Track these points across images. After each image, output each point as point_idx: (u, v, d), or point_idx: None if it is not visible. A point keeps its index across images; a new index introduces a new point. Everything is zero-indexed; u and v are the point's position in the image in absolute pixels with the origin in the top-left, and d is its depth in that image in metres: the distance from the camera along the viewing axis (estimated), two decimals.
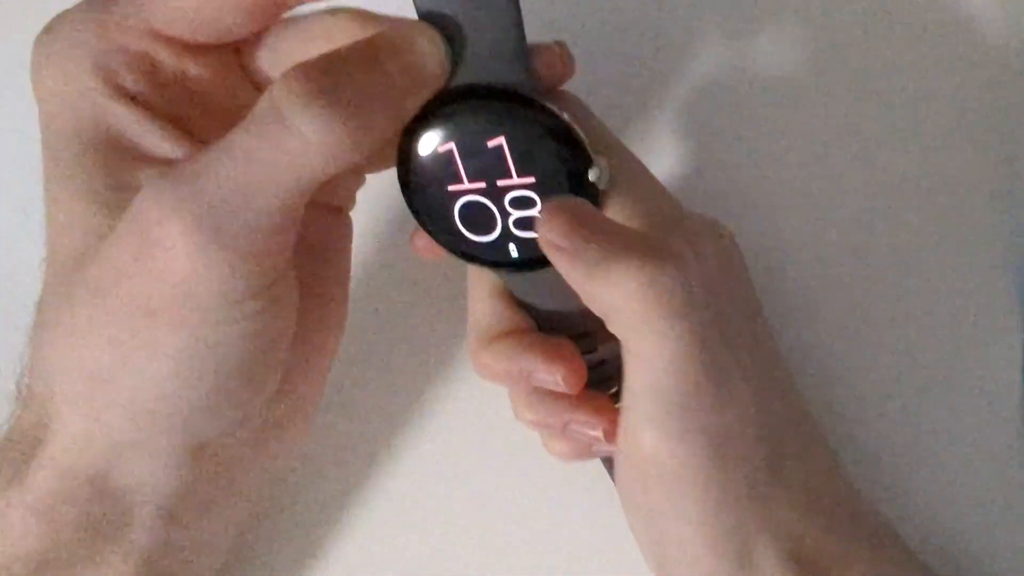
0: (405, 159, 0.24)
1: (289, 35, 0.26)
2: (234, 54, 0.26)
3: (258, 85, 0.26)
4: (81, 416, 0.24)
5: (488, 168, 0.24)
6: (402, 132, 0.24)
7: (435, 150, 0.24)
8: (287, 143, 0.21)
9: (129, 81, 0.24)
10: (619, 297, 0.23)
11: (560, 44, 0.25)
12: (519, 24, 0.22)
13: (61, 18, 0.24)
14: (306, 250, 0.26)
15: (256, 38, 0.26)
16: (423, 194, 0.24)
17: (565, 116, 0.23)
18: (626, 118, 0.34)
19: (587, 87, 0.27)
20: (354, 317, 0.30)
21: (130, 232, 0.22)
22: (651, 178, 0.27)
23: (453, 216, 0.24)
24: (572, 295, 0.24)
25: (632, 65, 0.34)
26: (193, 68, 0.25)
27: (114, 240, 0.23)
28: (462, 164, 0.24)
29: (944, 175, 0.32)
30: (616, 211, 0.25)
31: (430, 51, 0.23)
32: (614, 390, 0.27)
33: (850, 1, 0.34)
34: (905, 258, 0.32)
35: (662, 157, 0.33)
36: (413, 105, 0.23)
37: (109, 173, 0.24)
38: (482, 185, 0.24)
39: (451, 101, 0.23)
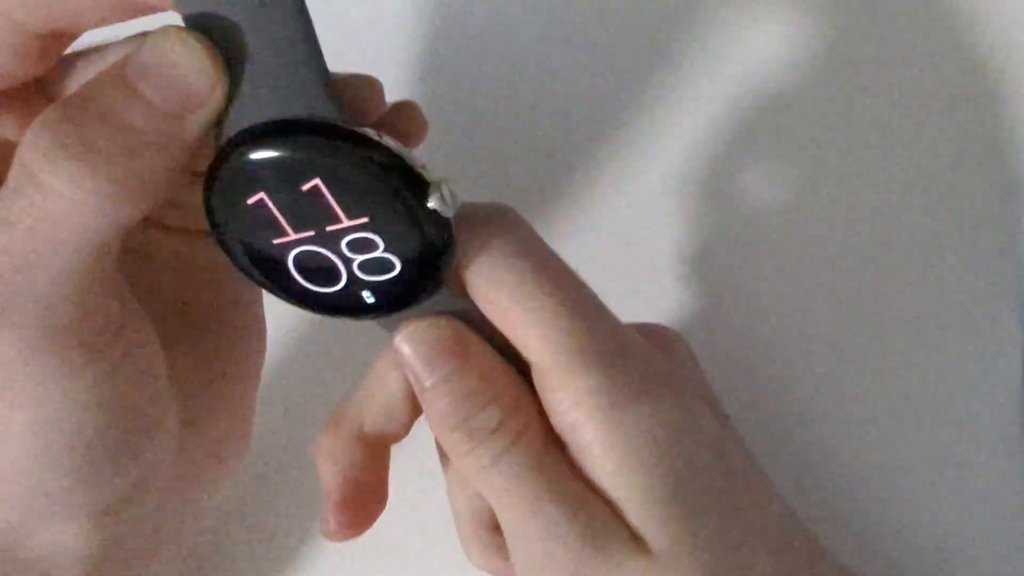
0: (213, 216, 0.20)
1: (91, 68, 0.23)
2: (42, 99, 0.23)
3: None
4: None
5: (311, 214, 0.20)
6: (203, 187, 0.20)
7: (244, 203, 0.20)
8: (46, 205, 0.18)
9: None
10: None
11: (368, 78, 0.22)
12: (310, 33, 0.19)
13: None
14: (198, 280, 0.25)
15: (59, 77, 0.23)
16: (249, 253, 0.21)
17: (387, 141, 0.20)
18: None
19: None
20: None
21: None
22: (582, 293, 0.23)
23: (290, 272, 0.21)
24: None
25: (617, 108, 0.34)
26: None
27: None
28: (280, 214, 0.20)
29: (944, 175, 0.33)
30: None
31: (189, 62, 0.19)
32: None
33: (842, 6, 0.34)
34: (905, 258, 0.32)
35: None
36: (189, 132, 0.19)
37: None
38: (311, 233, 0.20)
39: (245, 143, 0.19)
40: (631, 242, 0.33)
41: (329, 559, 0.31)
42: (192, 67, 0.19)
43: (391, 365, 0.24)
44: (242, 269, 0.21)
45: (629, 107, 0.34)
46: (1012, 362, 0.31)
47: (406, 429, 0.25)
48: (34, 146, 0.18)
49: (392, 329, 0.23)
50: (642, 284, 0.32)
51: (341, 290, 0.21)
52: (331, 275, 0.21)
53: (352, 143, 0.19)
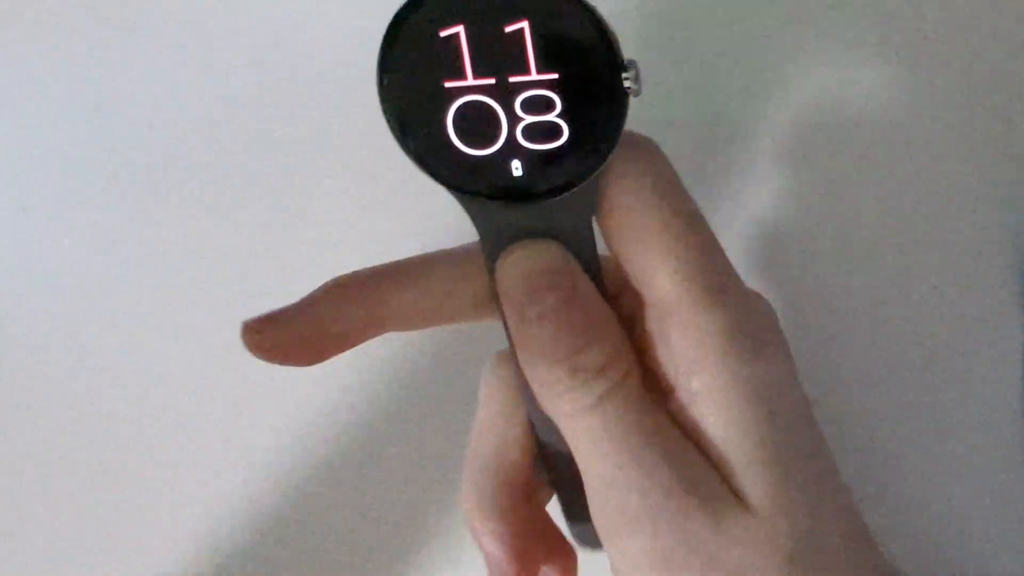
0: (393, 41, 0.19)
1: None
2: None
3: None
4: None
5: (501, 59, 0.19)
6: (402, 4, 0.19)
7: (436, 33, 0.19)
8: None
9: None
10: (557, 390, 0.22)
11: None
12: None
13: None
14: None
15: None
16: (409, 90, 0.20)
17: (600, 11, 0.19)
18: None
19: None
20: None
21: None
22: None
23: (445, 121, 0.19)
24: (585, 240, 0.21)
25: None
26: None
27: None
28: (469, 52, 0.19)
29: (945, 175, 0.32)
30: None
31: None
32: None
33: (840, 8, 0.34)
34: (905, 258, 0.32)
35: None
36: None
37: None
38: (491, 81, 0.19)
39: None
40: None
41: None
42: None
43: (484, 416, 0.24)
44: (393, 111, 0.20)
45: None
46: (1012, 362, 0.30)
47: (527, 463, 0.25)
48: None
49: (493, 233, 0.21)
50: None
51: (493, 153, 0.20)
52: (488, 135, 0.20)
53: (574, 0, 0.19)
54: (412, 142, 0.20)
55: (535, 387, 0.21)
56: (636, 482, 0.21)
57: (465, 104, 0.19)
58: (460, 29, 0.19)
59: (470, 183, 0.20)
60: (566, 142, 0.20)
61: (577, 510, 0.24)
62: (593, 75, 0.19)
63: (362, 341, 0.22)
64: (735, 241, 0.32)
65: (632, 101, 0.20)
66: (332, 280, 0.22)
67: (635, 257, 0.21)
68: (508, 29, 0.19)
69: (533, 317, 0.21)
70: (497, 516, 0.24)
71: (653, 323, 0.22)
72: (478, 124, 0.19)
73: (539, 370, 0.21)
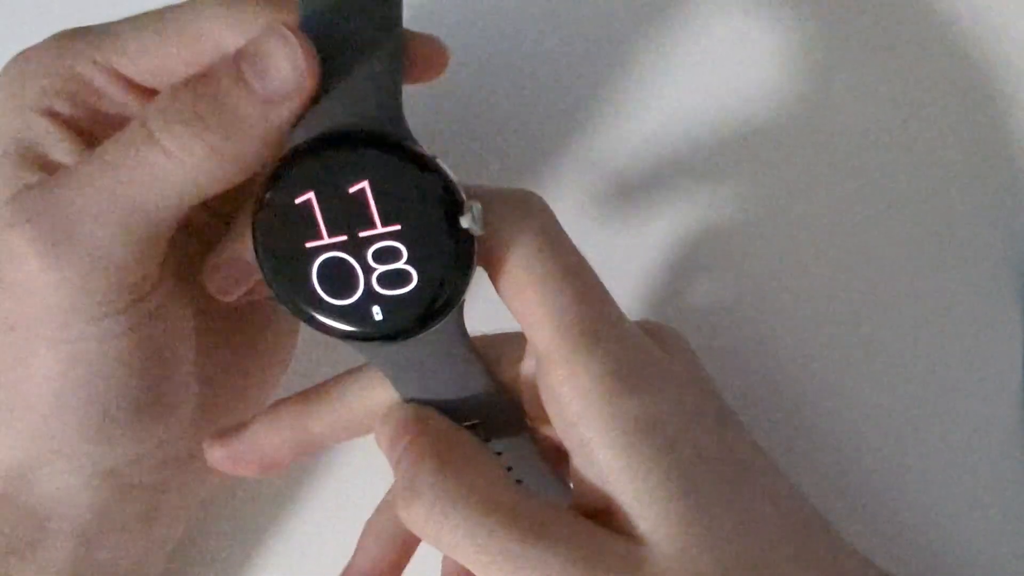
0: (260, 211, 0.22)
1: None
2: None
3: None
4: None
5: (350, 217, 0.22)
6: (262, 184, 0.22)
7: (293, 201, 0.22)
8: (151, 157, 0.21)
9: (66, 106, 0.24)
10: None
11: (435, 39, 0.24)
12: (397, 65, 0.22)
13: (38, 44, 0.24)
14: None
15: None
16: (279, 252, 0.22)
17: (436, 159, 0.22)
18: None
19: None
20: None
21: None
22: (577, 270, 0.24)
23: (311, 276, 0.22)
24: (454, 375, 0.23)
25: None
26: (135, 106, 0.24)
27: None
28: (321, 215, 0.22)
29: (945, 175, 0.32)
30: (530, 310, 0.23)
31: (289, 58, 0.21)
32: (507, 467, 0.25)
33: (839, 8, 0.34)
34: (906, 258, 0.32)
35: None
36: (277, 119, 0.22)
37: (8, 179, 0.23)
38: (343, 238, 0.22)
39: (312, 148, 0.22)
40: (630, 244, 0.33)
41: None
42: (289, 62, 0.21)
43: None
44: (268, 271, 0.22)
45: (629, 106, 0.34)
46: (1012, 362, 0.31)
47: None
48: (156, 109, 0.22)
49: (387, 367, 0.24)
50: (639, 285, 0.33)
51: (355, 302, 0.22)
52: (349, 285, 0.22)
53: (404, 153, 0.21)
54: (286, 296, 0.22)
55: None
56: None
57: (325, 260, 0.22)
58: (311, 195, 0.21)
59: (341, 329, 0.22)
60: (415, 287, 0.22)
61: None
62: (432, 222, 0.21)
63: (297, 457, 0.26)
64: (737, 242, 0.32)
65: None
66: (267, 407, 0.26)
67: (520, 311, 0.23)
68: (352, 190, 0.21)
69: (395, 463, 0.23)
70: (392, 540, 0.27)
71: (541, 378, 0.23)
72: (338, 277, 0.22)
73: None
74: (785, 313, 0.32)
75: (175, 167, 0.22)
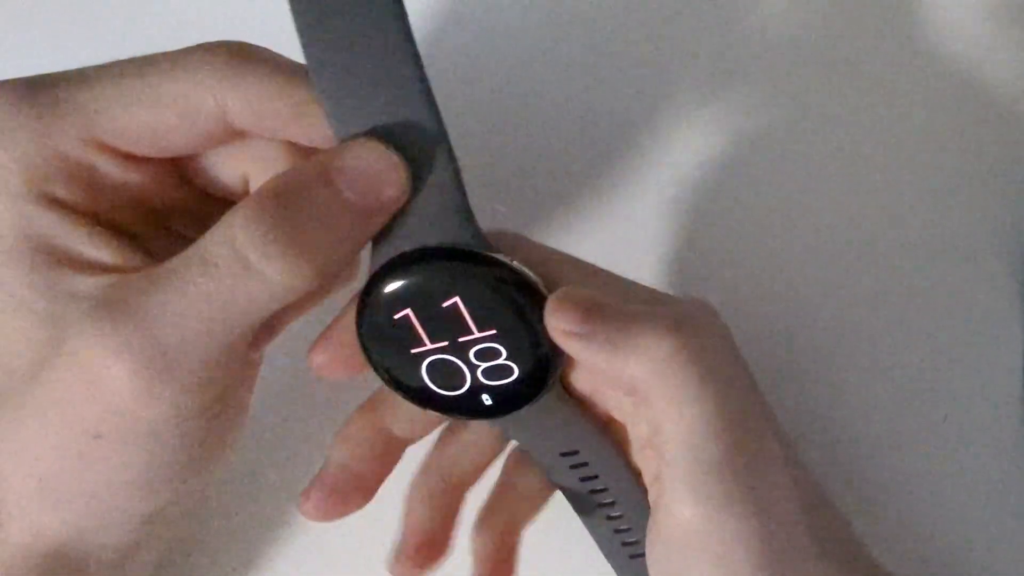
0: (363, 327, 0.24)
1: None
2: (180, 163, 0.25)
3: (196, 184, 0.26)
4: (35, 510, 0.24)
5: (448, 328, 0.24)
6: (357, 303, 0.24)
7: (392, 318, 0.23)
8: (248, 284, 0.21)
9: (63, 190, 0.23)
10: (648, 367, 0.22)
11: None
12: (457, 171, 0.23)
13: None
14: None
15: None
16: (387, 358, 0.24)
17: (514, 263, 0.23)
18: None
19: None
20: None
21: (72, 366, 0.22)
22: (616, 276, 0.26)
23: (421, 376, 0.24)
24: (560, 428, 0.25)
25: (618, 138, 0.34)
26: (135, 176, 0.24)
27: (57, 370, 0.22)
28: (421, 328, 0.24)
29: (945, 175, 0.32)
30: None
31: (388, 171, 0.22)
32: (610, 501, 0.27)
33: (841, 7, 0.34)
34: (906, 258, 0.32)
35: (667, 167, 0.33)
36: (373, 227, 0.22)
37: (39, 283, 0.23)
38: (445, 344, 0.24)
39: (399, 268, 0.23)
40: (634, 248, 0.33)
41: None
42: (390, 176, 0.22)
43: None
44: (377, 369, 0.24)
45: (633, 109, 0.34)
46: (1012, 362, 0.31)
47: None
48: (247, 230, 0.21)
49: (503, 429, 0.26)
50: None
51: (464, 393, 0.24)
52: (457, 380, 0.24)
53: (487, 266, 0.23)
54: (405, 393, 0.25)
55: None
56: None
57: (432, 361, 0.24)
58: (408, 312, 0.23)
59: (455, 412, 0.25)
60: (517, 378, 0.24)
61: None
62: (522, 323, 0.23)
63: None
64: (738, 243, 0.32)
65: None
66: None
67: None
68: (445, 304, 0.23)
69: None
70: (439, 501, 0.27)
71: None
72: (447, 373, 0.24)
73: None
74: (785, 313, 0.32)
75: (274, 290, 0.21)
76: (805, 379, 0.31)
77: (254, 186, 0.24)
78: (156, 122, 0.22)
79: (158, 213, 0.25)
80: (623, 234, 0.33)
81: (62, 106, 0.22)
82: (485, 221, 0.23)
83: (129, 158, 0.24)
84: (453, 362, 0.24)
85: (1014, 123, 0.32)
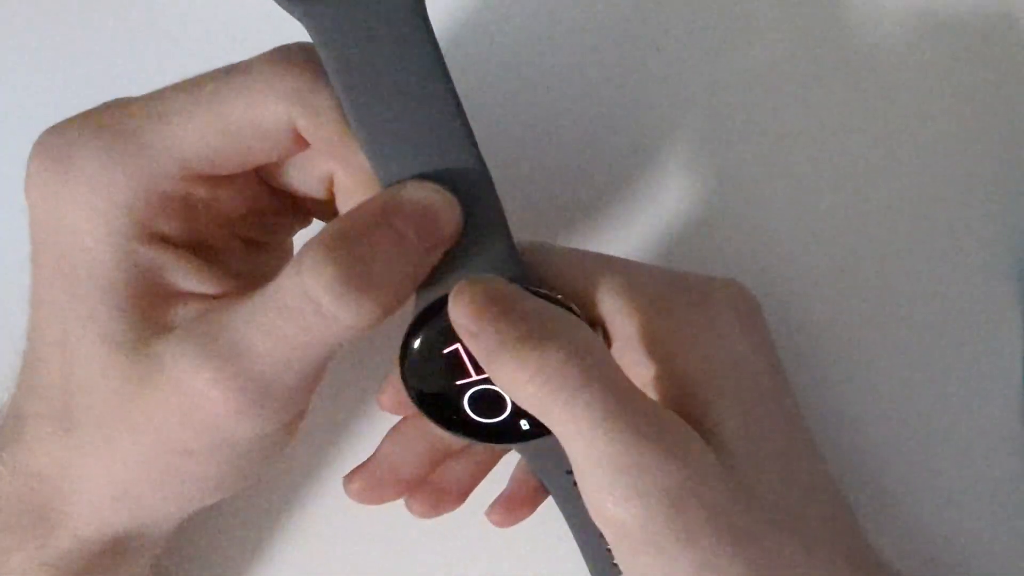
0: (409, 361, 0.25)
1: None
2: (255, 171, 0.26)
3: (276, 191, 0.27)
4: (108, 511, 0.26)
5: None
6: (404, 336, 0.25)
7: (439, 351, 0.24)
8: (322, 325, 0.22)
9: (165, 225, 0.24)
10: (524, 382, 0.23)
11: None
12: (502, 214, 0.23)
13: (76, 152, 0.24)
14: None
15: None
16: (430, 391, 0.25)
17: (558, 296, 0.24)
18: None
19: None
20: None
21: (170, 392, 0.24)
22: (639, 264, 0.27)
23: (463, 407, 0.25)
24: None
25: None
26: (224, 196, 0.25)
27: (154, 393, 0.24)
28: (468, 360, 0.24)
29: (944, 175, 0.33)
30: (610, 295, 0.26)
31: (445, 209, 0.23)
32: None
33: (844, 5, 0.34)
34: (906, 258, 0.32)
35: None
36: (431, 264, 0.23)
37: (139, 319, 0.24)
38: (487, 375, 0.25)
39: (446, 305, 0.24)
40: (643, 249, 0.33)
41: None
42: (446, 214, 0.23)
43: None
44: (424, 405, 0.25)
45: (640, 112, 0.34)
46: (1012, 362, 0.31)
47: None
48: (316, 276, 0.22)
49: (533, 456, 0.27)
50: None
51: (504, 420, 0.25)
52: (497, 407, 0.25)
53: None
54: (445, 424, 0.25)
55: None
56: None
57: (475, 392, 0.25)
58: (458, 346, 0.24)
59: (495, 438, 0.26)
60: None
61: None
62: None
63: (436, 467, 0.28)
64: (738, 241, 0.32)
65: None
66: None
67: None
68: None
69: None
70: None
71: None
72: (487, 403, 0.25)
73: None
74: (785, 312, 0.32)
75: (344, 331, 0.23)
76: (803, 379, 0.31)
77: (338, 184, 0.25)
78: (237, 145, 0.24)
79: (244, 224, 0.26)
80: (637, 240, 0.33)
81: (149, 150, 0.24)
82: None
83: (217, 179, 0.25)
84: (495, 391, 0.25)
85: (1015, 121, 0.33)
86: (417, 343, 0.24)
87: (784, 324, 0.32)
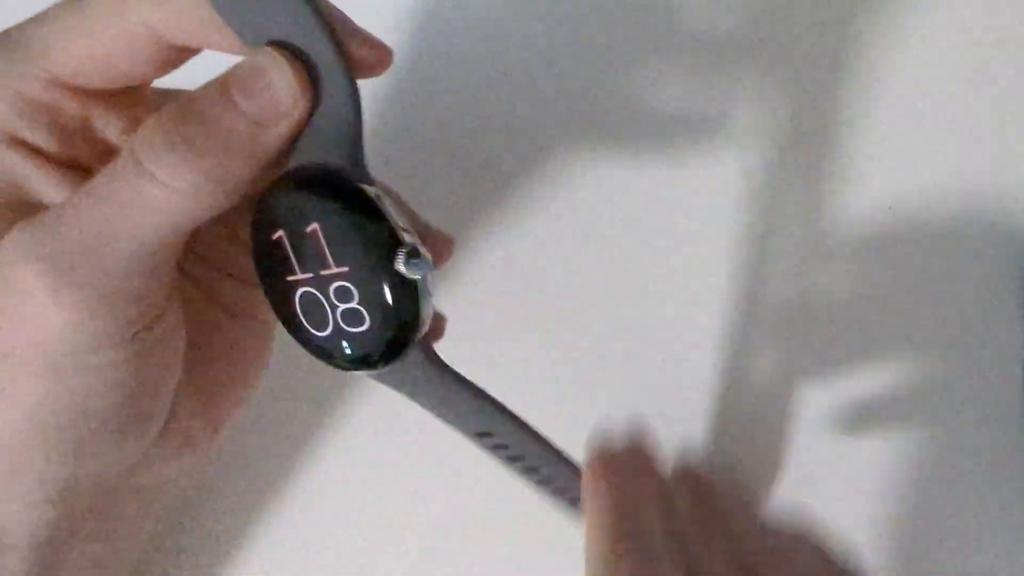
0: (254, 248, 0.23)
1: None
2: (145, 101, 0.26)
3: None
4: None
5: (312, 257, 0.22)
6: (251, 221, 0.23)
7: (271, 237, 0.23)
8: (144, 188, 0.21)
9: (29, 132, 0.23)
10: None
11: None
12: (355, 99, 0.22)
13: None
14: (221, 281, 0.26)
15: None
16: (269, 280, 0.23)
17: (378, 198, 0.22)
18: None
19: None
20: None
21: None
22: None
23: (296, 308, 0.23)
24: (440, 396, 0.24)
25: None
26: (101, 117, 0.24)
27: None
28: (292, 252, 0.22)
29: (944, 175, 0.32)
30: None
31: (280, 79, 0.21)
32: (533, 466, 0.27)
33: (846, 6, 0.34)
34: (905, 258, 0.32)
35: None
36: (274, 139, 0.22)
37: None
38: (310, 275, 0.22)
39: (281, 187, 0.22)
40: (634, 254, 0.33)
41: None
42: (280, 82, 0.21)
43: None
44: (270, 300, 0.23)
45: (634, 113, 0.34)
46: (1012, 362, 0.31)
47: None
48: (144, 138, 0.21)
49: (384, 384, 0.24)
50: (647, 292, 0.33)
51: (329, 335, 0.23)
52: (322, 319, 0.23)
53: (346, 197, 0.21)
54: (289, 326, 0.23)
55: None
56: None
57: (302, 294, 0.23)
58: (282, 233, 0.22)
59: (324, 357, 0.23)
60: (368, 327, 0.22)
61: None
62: (370, 265, 0.21)
63: None
64: (738, 240, 0.32)
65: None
66: None
67: None
68: (308, 230, 0.22)
69: None
70: None
71: None
72: (315, 311, 0.22)
73: None
74: (785, 312, 0.32)
75: (169, 196, 0.21)
76: (804, 378, 0.31)
77: None
78: (96, 50, 0.23)
79: (117, 150, 0.25)
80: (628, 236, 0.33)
81: (18, 49, 0.23)
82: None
83: (90, 95, 0.24)
84: (318, 297, 0.22)
85: (1015, 121, 0.32)
86: (255, 229, 0.23)
87: (783, 323, 0.32)
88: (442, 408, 0.25)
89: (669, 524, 0.25)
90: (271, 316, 0.25)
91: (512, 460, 0.26)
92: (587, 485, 0.25)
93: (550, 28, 0.34)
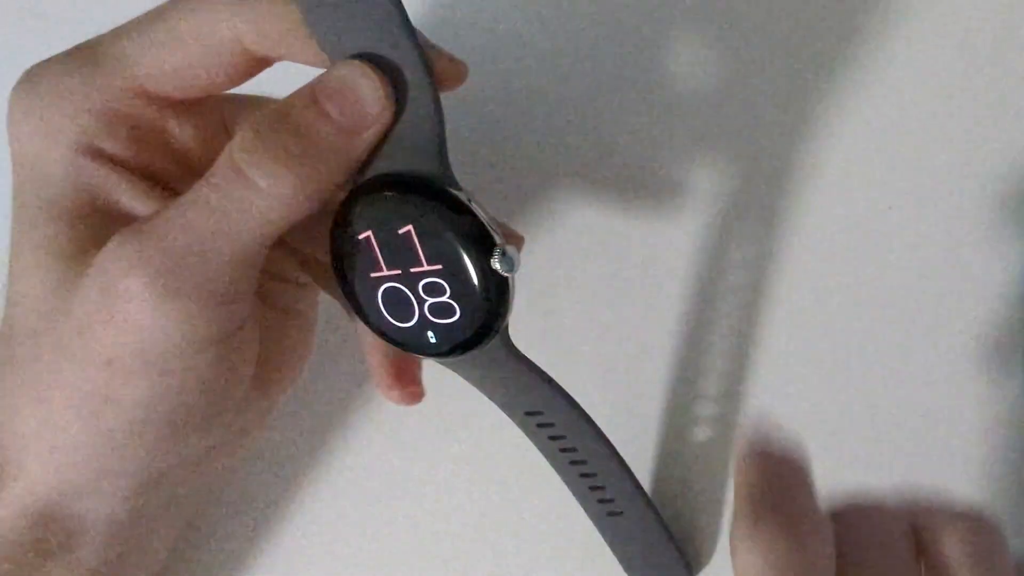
0: (333, 247, 0.25)
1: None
2: (216, 108, 0.27)
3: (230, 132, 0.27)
4: (37, 461, 0.24)
5: (402, 255, 0.24)
6: (332, 223, 0.25)
7: (356, 238, 0.24)
8: (246, 196, 0.22)
9: (110, 143, 0.24)
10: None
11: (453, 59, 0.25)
12: (438, 110, 0.23)
13: (43, 70, 0.24)
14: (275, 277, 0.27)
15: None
16: (353, 281, 0.25)
17: (470, 202, 0.24)
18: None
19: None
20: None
21: (94, 285, 0.23)
22: None
23: (378, 303, 0.25)
24: (509, 381, 0.26)
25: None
26: (175, 125, 0.25)
27: (79, 294, 0.23)
28: (379, 251, 0.24)
29: (944, 175, 0.32)
30: None
31: (369, 89, 0.23)
32: (581, 460, 0.28)
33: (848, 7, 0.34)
34: (905, 258, 0.32)
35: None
36: (361, 146, 0.23)
37: (80, 232, 0.24)
38: (398, 272, 0.24)
39: (369, 190, 0.24)
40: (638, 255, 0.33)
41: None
42: (368, 92, 0.22)
43: None
44: (347, 295, 0.25)
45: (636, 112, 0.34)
46: (1012, 362, 0.31)
47: None
48: (243, 147, 0.22)
49: (457, 371, 0.26)
50: (645, 291, 0.33)
51: (413, 326, 0.25)
52: (407, 312, 0.25)
53: (441, 201, 0.23)
54: (367, 318, 0.25)
55: None
56: None
57: (386, 289, 0.25)
58: (370, 234, 0.24)
59: (405, 346, 0.25)
60: (458, 319, 0.24)
61: None
62: (466, 264, 0.23)
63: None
64: (737, 239, 0.32)
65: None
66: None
67: None
68: (401, 231, 0.24)
69: None
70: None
71: None
72: (399, 304, 0.25)
73: None
74: (786, 312, 0.32)
75: (269, 202, 0.22)
76: (805, 378, 0.31)
77: None
78: (183, 61, 0.24)
79: (201, 162, 0.26)
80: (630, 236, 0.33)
81: (103, 62, 0.24)
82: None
83: (170, 105, 0.25)
84: (404, 292, 0.24)
85: (1015, 121, 0.32)
86: (339, 229, 0.24)
87: (783, 322, 0.32)
88: (506, 393, 0.26)
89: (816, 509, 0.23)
90: (314, 312, 0.28)
91: (563, 452, 0.27)
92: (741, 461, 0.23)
93: (518, 75, 0.34)
